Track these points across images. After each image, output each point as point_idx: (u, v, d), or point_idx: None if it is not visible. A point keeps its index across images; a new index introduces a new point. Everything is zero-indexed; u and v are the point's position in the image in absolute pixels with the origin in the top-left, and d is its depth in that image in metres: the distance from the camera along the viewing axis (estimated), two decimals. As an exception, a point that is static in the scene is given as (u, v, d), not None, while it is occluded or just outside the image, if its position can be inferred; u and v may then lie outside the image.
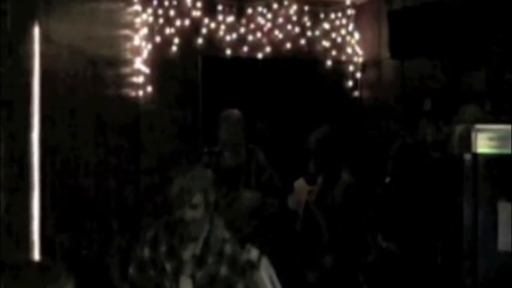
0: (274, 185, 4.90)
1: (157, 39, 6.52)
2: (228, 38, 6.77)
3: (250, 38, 6.86)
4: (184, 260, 3.35)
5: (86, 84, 5.69)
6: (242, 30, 6.84)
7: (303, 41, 7.04)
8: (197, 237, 3.35)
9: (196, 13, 6.66)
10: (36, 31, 4.14)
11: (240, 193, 4.77)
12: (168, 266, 3.35)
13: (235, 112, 4.92)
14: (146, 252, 3.40)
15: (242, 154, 4.80)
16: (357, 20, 7.23)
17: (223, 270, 3.33)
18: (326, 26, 7.12)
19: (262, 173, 4.90)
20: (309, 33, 7.07)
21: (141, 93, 6.43)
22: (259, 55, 6.89)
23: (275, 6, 6.94)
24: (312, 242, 5.04)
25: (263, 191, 4.89)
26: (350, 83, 7.23)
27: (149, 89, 6.46)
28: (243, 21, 6.85)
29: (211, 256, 3.35)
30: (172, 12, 6.57)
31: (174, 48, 6.60)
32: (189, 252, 3.36)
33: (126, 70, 6.37)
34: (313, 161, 5.19)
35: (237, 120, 4.84)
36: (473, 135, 4.18)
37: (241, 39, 6.84)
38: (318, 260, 5.01)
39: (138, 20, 6.44)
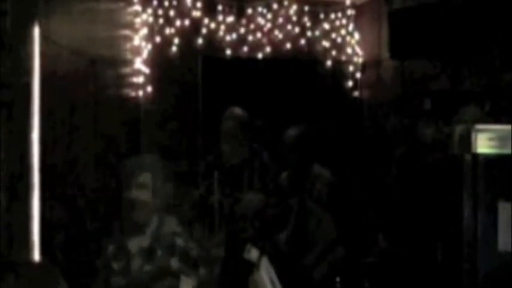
0: (277, 185, 4.86)
1: (157, 39, 6.52)
2: (228, 38, 6.77)
3: (250, 38, 6.86)
4: (131, 254, 3.25)
5: (86, 84, 5.69)
6: (242, 30, 6.84)
7: (303, 41, 7.04)
8: (144, 224, 3.24)
9: (196, 13, 6.65)
10: (36, 31, 4.14)
11: (243, 194, 4.75)
12: (115, 265, 3.27)
13: (238, 110, 4.87)
14: (100, 261, 3.36)
15: (245, 153, 4.75)
16: (357, 20, 7.23)
17: (174, 263, 3.23)
18: (326, 26, 7.12)
19: (266, 173, 4.85)
20: (309, 34, 7.07)
21: (141, 93, 6.43)
22: (259, 55, 6.89)
23: (275, 6, 6.94)
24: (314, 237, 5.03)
25: (266, 192, 4.86)
26: (350, 83, 7.23)
27: (149, 89, 6.46)
28: (243, 21, 6.85)
29: (161, 249, 3.24)
30: (172, 13, 6.57)
31: (174, 48, 6.60)
32: (135, 244, 3.27)
33: (126, 70, 6.37)
34: (287, 157, 5.19)
35: (239, 118, 4.79)
36: (473, 135, 4.17)
37: (241, 40, 6.84)
38: (326, 254, 5.01)
39: (138, 20, 6.44)
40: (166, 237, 3.26)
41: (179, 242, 3.27)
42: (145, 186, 3.20)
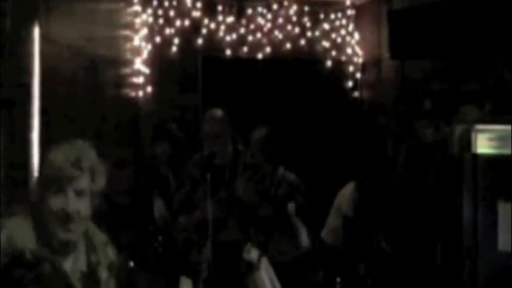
0: (264, 187, 4.74)
1: (157, 39, 6.52)
2: (228, 38, 6.77)
3: (250, 38, 6.86)
4: (69, 277, 2.28)
5: (86, 84, 5.70)
6: (242, 30, 6.84)
7: (303, 42, 7.04)
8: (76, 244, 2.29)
9: (196, 13, 6.65)
10: (36, 31, 4.14)
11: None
12: None
13: (219, 111, 4.82)
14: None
15: (228, 155, 4.68)
16: (357, 20, 7.23)
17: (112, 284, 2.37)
18: (326, 26, 7.12)
19: (252, 174, 4.73)
20: (309, 34, 7.07)
21: (141, 93, 6.43)
22: (259, 55, 6.89)
23: (275, 6, 6.94)
24: None
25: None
26: (350, 84, 7.23)
27: (149, 89, 6.46)
28: (243, 21, 6.85)
29: (103, 269, 2.35)
30: (172, 13, 6.57)
31: (174, 49, 6.60)
32: (69, 265, 2.30)
33: (126, 70, 6.37)
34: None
35: (220, 119, 4.73)
36: (473, 135, 4.18)
37: (241, 40, 6.84)
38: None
39: (138, 21, 6.44)
40: (104, 251, 2.39)
41: (111, 255, 2.41)
42: (84, 191, 2.25)
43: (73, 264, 2.30)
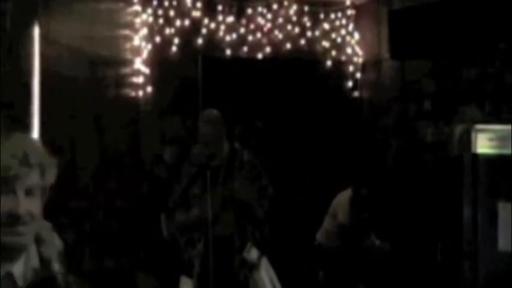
0: (261, 185, 4.78)
1: (157, 39, 6.52)
2: (228, 38, 6.77)
3: (250, 38, 6.86)
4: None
5: (86, 84, 5.70)
6: (242, 30, 6.83)
7: (303, 41, 7.04)
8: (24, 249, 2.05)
9: (196, 13, 6.65)
10: (36, 31, 4.15)
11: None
12: None
13: (214, 112, 4.86)
14: None
15: (224, 154, 4.72)
16: (357, 20, 7.23)
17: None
18: (326, 26, 7.12)
19: (248, 172, 4.75)
20: (308, 34, 7.06)
21: (141, 93, 6.43)
22: (259, 55, 6.89)
23: (275, 6, 6.94)
24: None
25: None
26: (350, 83, 7.23)
27: (149, 89, 6.45)
28: (243, 21, 6.84)
29: (55, 262, 2.14)
30: (172, 12, 6.57)
31: (174, 48, 6.60)
32: (20, 268, 2.05)
33: (126, 70, 6.37)
34: None
35: (215, 120, 4.77)
36: (473, 135, 4.18)
37: (241, 40, 6.83)
38: None
39: (138, 20, 6.44)
40: (50, 240, 2.17)
41: (58, 242, 2.16)
42: (35, 189, 2.05)
43: (24, 265, 2.08)
